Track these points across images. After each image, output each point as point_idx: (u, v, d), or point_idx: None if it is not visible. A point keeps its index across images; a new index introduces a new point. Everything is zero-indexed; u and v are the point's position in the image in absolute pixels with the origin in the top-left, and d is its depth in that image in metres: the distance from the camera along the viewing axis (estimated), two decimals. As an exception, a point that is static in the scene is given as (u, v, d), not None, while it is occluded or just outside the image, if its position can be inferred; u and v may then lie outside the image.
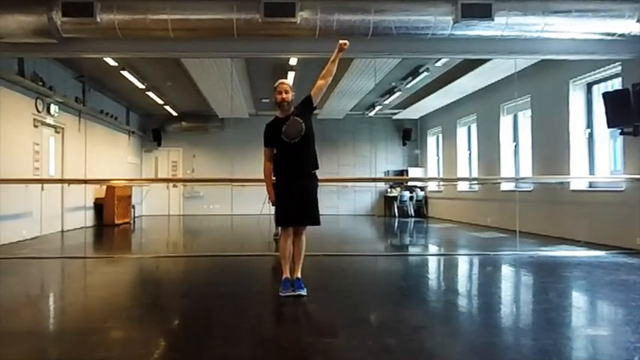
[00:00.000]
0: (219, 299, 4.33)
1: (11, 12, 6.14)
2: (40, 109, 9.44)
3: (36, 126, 9.38)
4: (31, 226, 9.07)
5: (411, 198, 15.52)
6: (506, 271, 6.27)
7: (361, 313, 3.97)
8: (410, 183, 16.34)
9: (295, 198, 4.33)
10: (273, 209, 4.63)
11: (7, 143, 8.20)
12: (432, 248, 9.50)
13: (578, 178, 8.50)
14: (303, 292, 4.30)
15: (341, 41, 4.33)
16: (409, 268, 6.68)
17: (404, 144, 16.52)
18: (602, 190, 8.08)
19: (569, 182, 8.66)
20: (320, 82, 4.45)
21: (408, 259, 7.69)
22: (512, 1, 6.31)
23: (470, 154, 13.13)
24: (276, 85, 4.44)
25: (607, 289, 5.11)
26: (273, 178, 4.46)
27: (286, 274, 4.40)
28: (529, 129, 10.12)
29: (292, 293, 4.27)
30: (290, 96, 4.37)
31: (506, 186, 10.78)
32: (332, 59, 4.42)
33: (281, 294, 4.29)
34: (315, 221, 4.40)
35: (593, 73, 8.24)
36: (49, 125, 9.96)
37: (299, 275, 4.41)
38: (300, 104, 4.46)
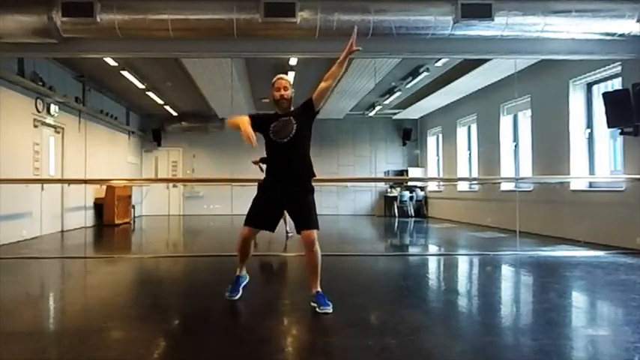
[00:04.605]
0: (219, 299, 4.32)
1: (11, 12, 6.14)
2: (40, 109, 9.44)
3: (36, 126, 9.39)
4: (31, 226, 9.07)
5: (411, 198, 15.52)
6: (506, 271, 6.27)
7: (361, 313, 3.97)
8: (410, 183, 16.34)
9: (274, 203, 4.01)
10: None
11: (7, 143, 8.20)
12: (432, 248, 9.50)
13: (578, 178, 8.51)
14: (329, 309, 3.79)
15: (354, 47, 3.91)
16: (409, 268, 6.68)
17: (404, 144, 16.52)
18: (602, 190, 8.09)
19: (569, 182, 8.67)
20: (322, 85, 4.01)
21: (408, 259, 7.69)
22: (512, 1, 6.32)
23: (470, 154, 13.13)
24: (274, 80, 4.09)
25: (607, 289, 5.11)
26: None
27: (239, 273, 4.24)
28: (529, 129, 10.12)
29: (236, 297, 4.13)
30: (289, 93, 4.03)
31: (506, 186, 10.78)
32: (339, 61, 3.98)
33: (227, 295, 4.12)
34: (311, 225, 3.93)
35: (593, 73, 8.25)
36: (49, 125, 9.96)
37: (318, 289, 3.95)
38: (301, 107, 4.09)
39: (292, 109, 4.11)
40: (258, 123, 4.03)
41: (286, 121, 4.00)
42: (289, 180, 4.00)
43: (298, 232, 4.02)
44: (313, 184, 4.11)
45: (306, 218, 3.96)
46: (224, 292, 4.20)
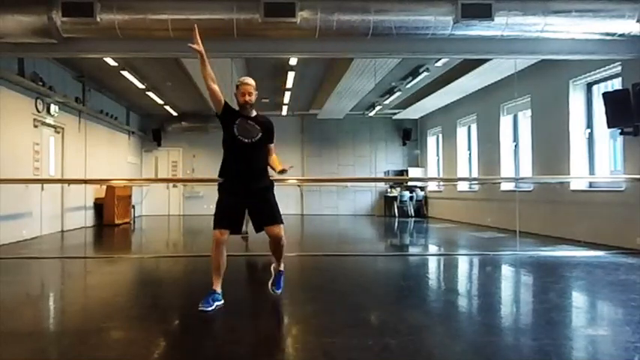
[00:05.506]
0: (219, 299, 4.32)
1: (11, 12, 6.14)
2: (40, 109, 9.44)
3: (36, 126, 9.38)
4: (31, 226, 9.07)
5: (411, 198, 15.52)
6: (506, 271, 6.27)
7: (361, 313, 3.97)
8: (410, 183, 16.34)
9: (238, 203, 4.05)
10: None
11: (7, 143, 8.20)
12: (432, 248, 9.50)
13: (578, 178, 8.51)
14: (278, 292, 4.22)
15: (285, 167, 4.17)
16: (409, 268, 6.68)
17: (404, 144, 16.52)
18: (602, 190, 8.08)
19: (569, 182, 8.66)
20: (270, 158, 4.25)
21: (408, 259, 7.69)
22: (512, 1, 6.32)
23: (470, 154, 13.13)
24: (238, 84, 4.15)
25: (607, 289, 5.11)
26: (219, 179, 4.16)
27: (215, 287, 4.01)
28: (529, 129, 10.12)
29: (209, 309, 3.83)
30: (253, 98, 4.10)
31: (506, 186, 10.78)
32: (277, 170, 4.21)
33: (200, 307, 3.81)
34: (277, 220, 4.10)
35: (593, 73, 8.24)
36: (49, 125, 9.96)
37: (281, 268, 4.27)
38: (266, 126, 4.16)
39: (255, 113, 4.19)
40: (227, 112, 4.12)
41: (252, 126, 4.11)
42: (251, 177, 4.09)
43: (258, 231, 4.16)
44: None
45: (271, 215, 4.11)
46: (226, 292, 4.15)
